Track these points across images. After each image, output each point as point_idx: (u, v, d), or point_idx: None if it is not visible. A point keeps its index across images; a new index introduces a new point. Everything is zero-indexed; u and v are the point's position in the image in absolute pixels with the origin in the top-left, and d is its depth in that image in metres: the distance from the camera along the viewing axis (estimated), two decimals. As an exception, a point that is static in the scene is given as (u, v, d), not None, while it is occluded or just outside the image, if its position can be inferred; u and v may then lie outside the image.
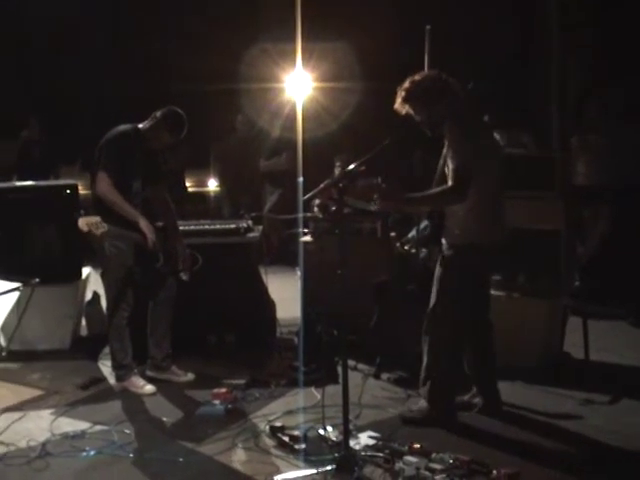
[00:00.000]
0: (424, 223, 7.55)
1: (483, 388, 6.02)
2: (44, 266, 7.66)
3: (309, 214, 8.25)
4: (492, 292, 6.95)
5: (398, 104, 5.68)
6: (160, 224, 6.71)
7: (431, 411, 5.77)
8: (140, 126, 6.68)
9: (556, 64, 11.92)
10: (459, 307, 5.69)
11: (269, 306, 8.02)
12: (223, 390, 6.24)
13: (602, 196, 9.40)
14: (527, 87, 12.47)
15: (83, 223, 6.23)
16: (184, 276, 6.74)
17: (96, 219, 6.26)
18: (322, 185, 5.36)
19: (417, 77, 5.67)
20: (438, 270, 5.78)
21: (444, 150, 5.70)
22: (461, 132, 5.53)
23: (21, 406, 6.34)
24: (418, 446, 5.14)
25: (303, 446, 5.32)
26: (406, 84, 5.64)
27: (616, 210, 9.27)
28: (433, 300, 5.77)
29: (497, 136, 9.63)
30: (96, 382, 6.87)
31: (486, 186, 5.54)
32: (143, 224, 6.42)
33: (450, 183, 5.47)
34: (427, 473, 4.81)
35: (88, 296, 8.49)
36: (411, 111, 5.67)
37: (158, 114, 6.66)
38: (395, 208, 6.02)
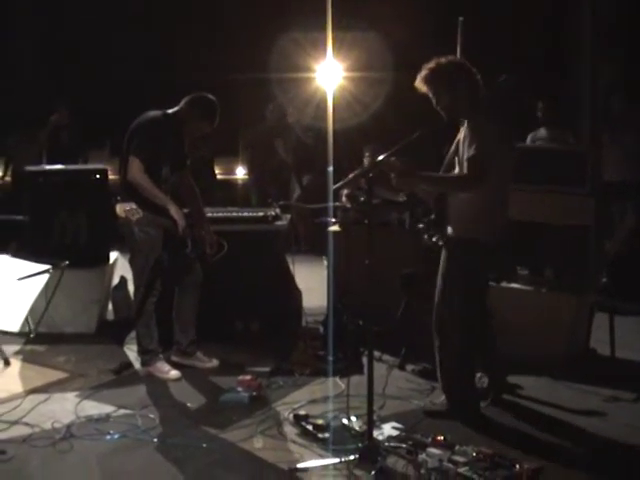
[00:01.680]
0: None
1: (489, 367, 6.06)
2: (73, 250, 7.74)
3: (338, 204, 8.25)
4: (520, 286, 6.96)
5: (419, 82, 5.64)
6: (187, 210, 6.72)
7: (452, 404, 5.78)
8: (170, 112, 6.68)
9: (587, 61, 11.86)
10: (467, 305, 5.67)
11: (295, 295, 8.03)
12: (248, 377, 6.23)
13: (630, 192, 9.36)
14: (558, 84, 12.41)
15: (121, 209, 6.28)
16: (209, 259, 6.74)
17: (132, 205, 6.30)
18: (351, 175, 5.35)
19: (442, 60, 5.62)
20: (443, 266, 5.76)
21: (459, 136, 5.68)
22: (486, 122, 5.50)
23: (46, 388, 6.36)
24: (441, 438, 5.12)
25: (327, 435, 5.32)
26: (431, 64, 5.60)
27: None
28: (439, 298, 5.76)
29: (544, 133, 9.68)
30: (127, 367, 6.89)
31: (501, 178, 5.52)
32: (173, 210, 6.43)
33: (469, 170, 5.43)
34: (450, 465, 4.79)
35: (115, 280, 8.53)
36: (430, 92, 5.63)
37: (188, 100, 6.67)
38: (410, 186, 5.87)
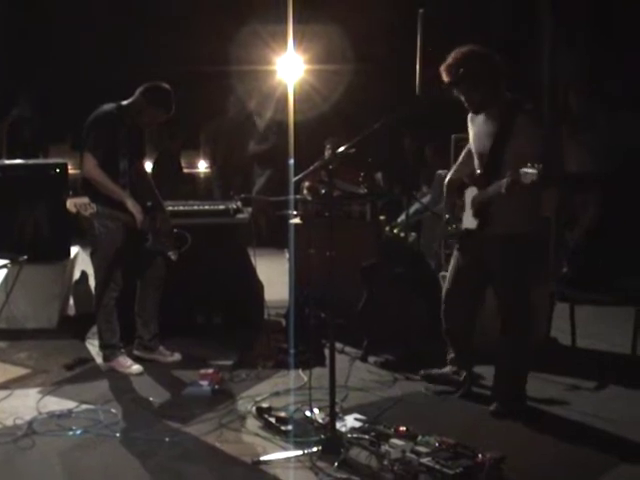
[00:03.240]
0: (414, 207, 7.58)
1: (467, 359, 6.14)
2: (32, 244, 7.68)
3: (299, 196, 8.25)
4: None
5: (448, 81, 5.55)
6: (149, 204, 6.68)
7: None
8: (124, 103, 6.64)
9: (547, 52, 11.90)
10: (525, 297, 5.71)
11: (257, 288, 8.02)
12: (210, 371, 6.23)
13: (590, 183, 9.43)
14: (517, 76, 12.45)
15: (71, 204, 6.19)
16: (172, 255, 6.72)
17: (84, 200, 6.23)
18: (312, 167, 5.35)
19: (466, 50, 5.55)
20: (495, 265, 5.65)
21: (477, 130, 5.66)
22: (538, 114, 5.58)
23: (8, 384, 6.33)
24: (404, 429, 5.15)
25: (289, 428, 5.32)
26: (458, 56, 5.53)
27: (604, 197, 9.31)
28: (509, 298, 5.68)
29: None
30: (82, 362, 6.86)
31: None
32: (130, 204, 6.41)
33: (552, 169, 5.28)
34: (413, 456, 4.81)
35: (76, 275, 8.49)
36: (457, 87, 5.56)
37: (142, 90, 6.62)
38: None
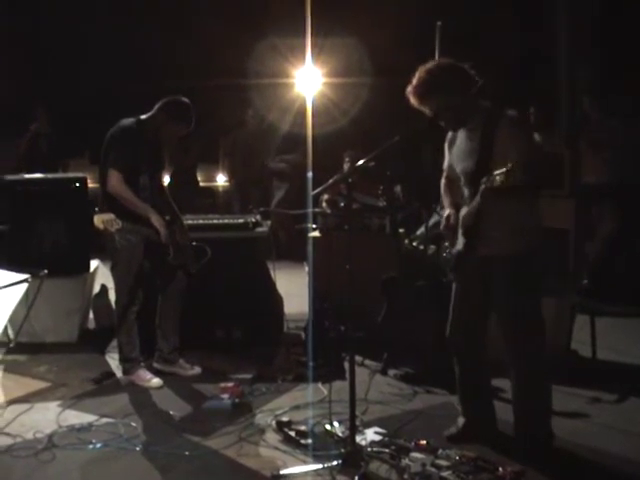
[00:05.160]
0: (433, 219, 7.56)
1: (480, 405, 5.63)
2: (52, 258, 7.70)
3: (318, 209, 8.26)
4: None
5: (413, 100, 5.20)
6: (167, 217, 6.70)
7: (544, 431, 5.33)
8: (143, 118, 6.67)
9: (564, 64, 11.89)
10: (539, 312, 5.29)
11: (277, 301, 8.02)
12: (230, 384, 6.24)
13: (610, 195, 9.41)
14: (535, 87, 12.45)
15: (99, 221, 6.26)
16: (192, 269, 6.74)
17: (110, 216, 6.30)
18: (331, 180, 5.35)
19: (430, 66, 5.17)
20: (507, 287, 5.19)
21: (457, 150, 5.33)
22: (521, 120, 5.21)
23: (28, 398, 6.35)
24: (424, 442, 5.14)
25: (309, 441, 5.32)
26: (422, 75, 5.13)
27: (624, 208, 9.28)
28: (514, 324, 5.21)
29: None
30: (108, 376, 6.88)
31: None
32: (154, 219, 6.44)
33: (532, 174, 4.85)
34: (433, 469, 4.80)
35: (96, 289, 8.50)
36: (428, 106, 5.20)
37: (161, 105, 6.65)
38: None
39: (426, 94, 5.15)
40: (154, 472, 5.04)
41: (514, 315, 5.18)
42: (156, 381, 6.63)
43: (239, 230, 7.71)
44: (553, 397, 5.35)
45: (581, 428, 5.67)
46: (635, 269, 8.63)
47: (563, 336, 7.12)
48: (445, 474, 4.74)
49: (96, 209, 6.60)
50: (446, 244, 5.45)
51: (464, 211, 5.23)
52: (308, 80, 10.24)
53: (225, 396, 6.12)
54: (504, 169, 4.67)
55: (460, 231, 5.27)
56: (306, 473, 4.94)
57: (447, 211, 5.43)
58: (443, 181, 5.62)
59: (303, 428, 5.48)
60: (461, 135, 5.32)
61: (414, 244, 7.67)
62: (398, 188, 9.28)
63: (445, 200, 5.56)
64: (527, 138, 5.15)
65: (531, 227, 5.16)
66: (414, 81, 5.17)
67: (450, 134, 5.44)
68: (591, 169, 9.42)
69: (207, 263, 6.79)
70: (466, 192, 5.28)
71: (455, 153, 5.38)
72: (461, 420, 5.52)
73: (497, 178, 4.72)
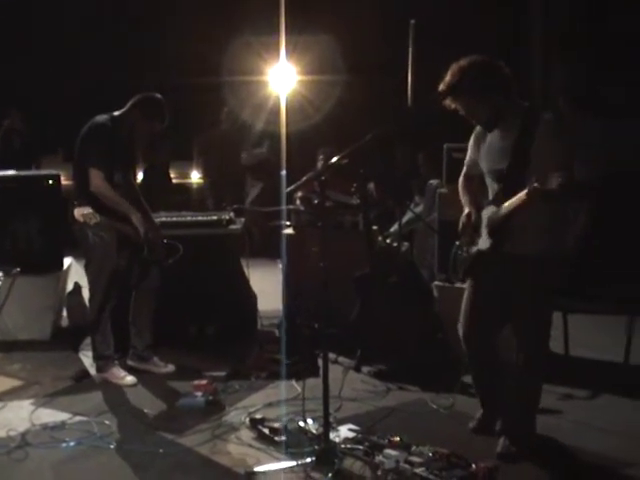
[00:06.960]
0: (406, 217, 7.58)
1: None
2: (25, 256, 7.68)
3: (291, 206, 8.26)
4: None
5: (448, 100, 5.09)
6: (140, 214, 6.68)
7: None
8: (116, 114, 6.64)
9: (539, 63, 11.96)
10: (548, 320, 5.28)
11: (250, 298, 8.02)
12: (204, 382, 6.22)
13: (582, 191, 9.44)
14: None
15: (79, 214, 6.28)
16: (163, 263, 6.72)
17: (89, 210, 6.31)
18: (305, 178, 5.35)
19: (464, 64, 5.05)
20: (514, 286, 5.13)
21: (488, 147, 5.21)
22: (559, 124, 5.07)
23: (1, 396, 6.32)
24: (398, 439, 5.15)
25: (283, 438, 5.32)
26: (456, 73, 5.02)
27: (596, 205, 9.32)
28: (526, 336, 5.16)
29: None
30: (86, 374, 6.85)
31: None
32: (135, 218, 6.44)
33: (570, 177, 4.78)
34: (406, 466, 4.82)
35: (69, 287, 8.47)
36: (461, 105, 5.10)
37: (134, 101, 6.63)
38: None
39: (460, 93, 5.06)
40: (128, 470, 5.03)
41: (532, 316, 5.14)
42: (130, 379, 6.61)
43: (213, 227, 7.71)
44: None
45: (553, 424, 5.68)
46: (607, 266, 8.66)
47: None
48: (418, 470, 4.76)
49: (75, 202, 6.55)
50: (457, 243, 5.41)
51: (490, 210, 5.15)
52: (282, 78, 10.23)
53: (198, 394, 6.11)
54: (561, 172, 4.64)
55: (485, 230, 5.19)
56: (280, 470, 4.94)
57: (466, 209, 5.37)
58: (461, 179, 5.54)
59: (277, 425, 5.47)
60: (493, 133, 5.20)
61: (387, 241, 7.69)
62: (371, 185, 9.31)
63: (464, 198, 5.46)
64: (569, 143, 5.07)
65: (558, 229, 5.13)
66: (447, 78, 5.07)
67: (478, 129, 5.32)
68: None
69: (180, 260, 6.75)
70: (492, 190, 5.22)
71: (485, 150, 5.25)
72: (479, 412, 5.60)
73: (553, 181, 4.62)
